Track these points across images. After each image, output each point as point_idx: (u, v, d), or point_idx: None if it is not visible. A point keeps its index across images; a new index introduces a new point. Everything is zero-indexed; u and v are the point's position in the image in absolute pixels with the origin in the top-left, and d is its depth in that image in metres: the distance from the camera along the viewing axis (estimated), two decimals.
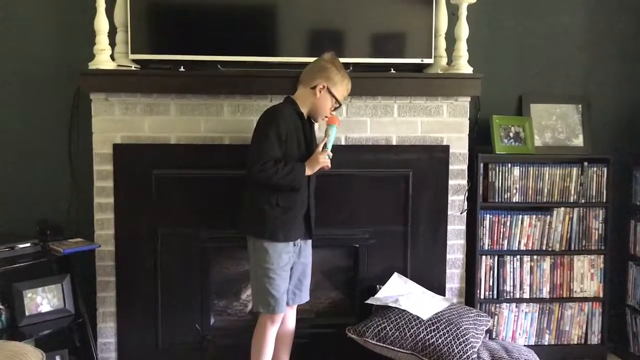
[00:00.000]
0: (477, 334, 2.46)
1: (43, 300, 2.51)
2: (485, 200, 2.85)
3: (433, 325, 2.40)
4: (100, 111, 2.58)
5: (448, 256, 2.78)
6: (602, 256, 2.92)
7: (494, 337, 2.88)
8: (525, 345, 2.75)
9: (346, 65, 2.47)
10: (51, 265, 2.60)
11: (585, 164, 2.88)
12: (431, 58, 2.69)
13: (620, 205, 3.02)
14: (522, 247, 2.89)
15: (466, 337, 2.37)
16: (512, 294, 2.88)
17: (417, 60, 2.68)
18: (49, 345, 2.43)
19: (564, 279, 2.91)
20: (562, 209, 2.89)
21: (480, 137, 2.89)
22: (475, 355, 2.36)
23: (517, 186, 2.86)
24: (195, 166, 2.62)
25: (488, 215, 2.85)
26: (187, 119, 2.61)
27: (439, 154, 2.73)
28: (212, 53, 2.58)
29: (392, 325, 2.41)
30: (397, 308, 2.49)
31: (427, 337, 2.37)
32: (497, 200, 2.85)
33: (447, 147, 2.73)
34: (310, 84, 2.32)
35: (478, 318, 2.55)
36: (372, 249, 2.73)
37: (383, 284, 2.67)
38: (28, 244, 2.47)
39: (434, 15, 2.66)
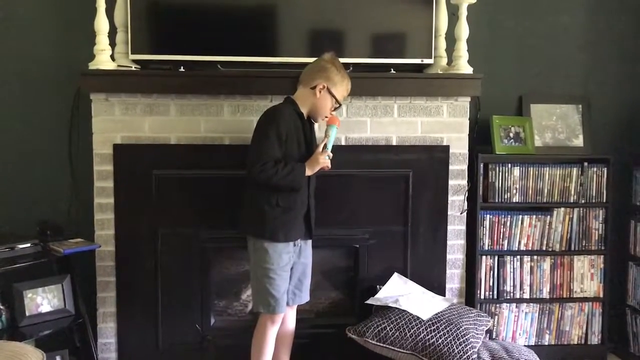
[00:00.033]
0: (477, 334, 2.46)
1: (43, 300, 2.51)
2: (486, 200, 2.85)
3: (433, 326, 2.40)
4: (101, 111, 2.58)
5: (448, 256, 2.78)
6: (602, 256, 2.92)
7: (494, 337, 2.88)
8: (525, 346, 2.75)
9: (346, 65, 2.47)
10: (51, 265, 2.61)
11: (585, 164, 2.88)
12: (431, 58, 2.69)
13: (620, 206, 3.02)
14: (522, 247, 2.89)
15: (466, 337, 2.37)
16: (512, 294, 2.88)
17: (417, 61, 2.68)
18: (49, 346, 2.43)
19: (564, 279, 2.91)
20: (562, 209, 2.89)
21: (480, 137, 2.89)
22: (475, 356, 2.36)
23: (517, 186, 2.86)
24: (195, 166, 2.62)
25: (488, 216, 2.85)
26: (187, 119, 2.62)
27: (439, 154, 2.73)
28: (212, 53, 2.58)
29: (392, 326, 2.41)
30: (397, 308, 2.49)
31: (427, 337, 2.37)
32: (497, 201, 2.85)
33: (447, 148, 2.73)
34: (310, 84, 2.32)
35: (478, 318, 2.55)
36: (372, 249, 2.73)
37: (383, 284, 2.67)
38: (28, 244, 2.47)
39: (434, 15, 2.66)
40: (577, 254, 2.91)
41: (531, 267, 2.89)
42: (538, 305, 2.90)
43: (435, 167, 2.73)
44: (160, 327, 2.66)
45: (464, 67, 2.66)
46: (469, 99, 2.72)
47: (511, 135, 2.92)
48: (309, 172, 2.27)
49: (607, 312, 2.94)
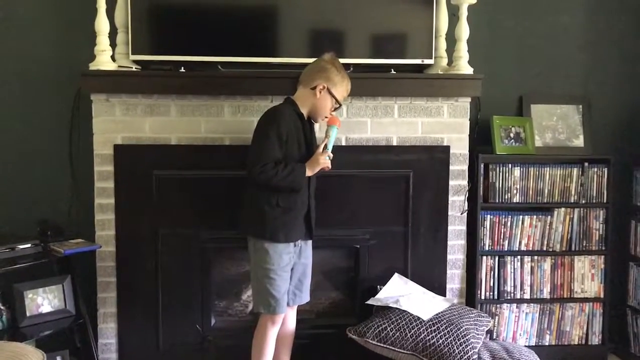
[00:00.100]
0: (478, 334, 2.46)
1: (44, 301, 2.51)
2: (486, 200, 2.85)
3: (434, 326, 2.40)
4: (101, 112, 2.58)
5: (448, 257, 2.78)
6: (602, 256, 2.92)
7: (494, 337, 2.88)
8: (525, 346, 2.75)
9: (347, 66, 2.48)
10: (52, 266, 2.61)
11: (586, 164, 2.88)
12: (431, 59, 2.69)
13: (621, 206, 3.02)
14: (523, 248, 2.89)
15: (467, 337, 2.37)
16: (512, 294, 2.88)
17: (418, 61, 2.68)
18: (49, 346, 2.44)
19: (564, 279, 2.91)
20: (563, 209, 2.89)
21: (480, 137, 2.89)
22: (475, 356, 2.36)
23: (518, 187, 2.86)
24: (195, 167, 2.62)
25: (488, 216, 2.85)
26: (187, 120, 2.62)
27: (439, 155, 2.73)
28: (213, 54, 2.58)
29: (392, 326, 2.41)
30: (397, 309, 2.49)
31: (427, 338, 2.37)
32: (497, 201, 2.85)
33: (447, 148, 2.73)
34: (310, 84, 2.32)
35: (479, 318, 2.55)
36: (373, 250, 2.73)
37: (384, 285, 2.67)
38: (29, 245, 2.47)
39: (434, 15, 2.66)
40: (578, 254, 2.91)
41: (532, 268, 2.89)
42: (538, 306, 2.90)
43: (435, 167, 2.73)
44: (161, 327, 2.66)
45: (465, 67, 2.67)
46: (469, 99, 2.72)
47: (511, 135, 2.93)
48: (309, 172, 2.27)
49: (608, 313, 2.94)
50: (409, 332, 2.39)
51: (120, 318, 2.65)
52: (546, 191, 2.87)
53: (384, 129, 2.70)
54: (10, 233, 2.60)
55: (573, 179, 2.88)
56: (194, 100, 2.61)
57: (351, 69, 2.57)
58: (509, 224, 2.86)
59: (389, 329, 2.41)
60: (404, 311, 2.47)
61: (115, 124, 2.59)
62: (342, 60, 2.39)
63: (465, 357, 2.32)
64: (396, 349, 2.38)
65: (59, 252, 2.45)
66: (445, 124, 2.73)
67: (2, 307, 2.44)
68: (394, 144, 2.71)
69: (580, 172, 2.88)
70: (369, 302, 2.60)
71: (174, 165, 2.62)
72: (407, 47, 2.69)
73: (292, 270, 2.35)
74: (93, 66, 2.52)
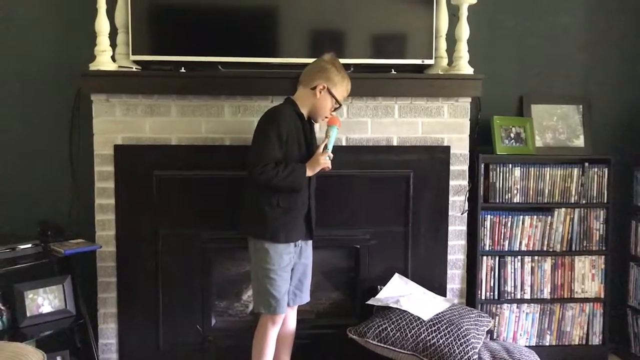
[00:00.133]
0: (478, 334, 2.46)
1: (44, 301, 2.51)
2: (486, 200, 2.85)
3: (434, 326, 2.40)
4: (101, 112, 2.58)
5: (449, 257, 2.78)
6: (603, 257, 2.92)
7: (495, 337, 2.88)
8: (526, 346, 2.75)
9: (347, 66, 2.48)
10: (52, 266, 2.61)
11: (586, 164, 2.88)
12: (432, 59, 2.69)
13: (621, 206, 3.02)
14: (523, 248, 2.89)
15: (467, 337, 2.37)
16: (513, 294, 2.88)
17: (418, 61, 2.68)
18: (50, 346, 2.44)
19: (564, 279, 2.91)
20: (563, 209, 2.89)
21: (481, 137, 2.89)
22: (476, 356, 2.36)
23: (518, 187, 2.86)
24: (196, 167, 2.62)
25: (489, 216, 2.85)
26: (188, 120, 2.62)
27: (439, 155, 2.73)
28: (213, 54, 2.58)
29: (393, 326, 2.41)
30: (398, 309, 2.49)
31: (428, 338, 2.37)
32: (498, 201, 2.85)
33: (447, 148, 2.73)
34: (310, 84, 2.32)
35: (479, 319, 2.55)
36: (373, 250, 2.73)
37: (384, 285, 2.67)
38: (29, 245, 2.46)
39: (434, 16, 2.66)
40: (578, 254, 2.90)
41: (532, 268, 2.88)
42: (539, 306, 2.90)
43: (436, 167, 2.73)
44: (161, 327, 2.66)
45: (465, 67, 2.67)
46: (469, 99, 2.72)
47: (512, 135, 2.92)
48: (309, 172, 2.27)
49: (608, 313, 2.94)
50: (410, 332, 2.38)
51: (121, 318, 2.65)
52: (546, 191, 2.87)
53: (385, 129, 2.70)
54: (11, 233, 2.61)
55: (573, 179, 2.88)
56: (195, 101, 2.61)
57: (351, 69, 2.57)
58: (509, 224, 2.86)
59: (389, 329, 2.40)
60: (405, 311, 2.47)
61: (115, 124, 2.59)
62: (342, 61, 2.39)
63: (466, 357, 2.32)
64: (396, 349, 2.38)
65: (59, 252, 2.45)
66: (445, 124, 2.73)
67: (2, 307, 2.44)
68: (395, 144, 2.71)
69: (581, 172, 2.88)
70: (370, 302, 2.60)
71: (174, 166, 2.62)
72: (407, 47, 2.69)
73: (292, 270, 2.35)
74: (93, 66, 2.52)
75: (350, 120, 2.68)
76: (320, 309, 2.84)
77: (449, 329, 2.39)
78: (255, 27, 2.62)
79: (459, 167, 2.75)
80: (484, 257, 2.86)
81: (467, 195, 2.77)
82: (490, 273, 2.87)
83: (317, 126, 2.48)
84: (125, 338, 2.66)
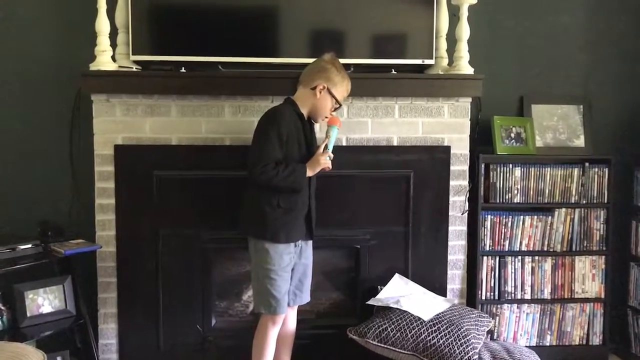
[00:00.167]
0: (479, 334, 2.46)
1: (44, 301, 2.51)
2: (487, 201, 2.85)
3: (434, 326, 2.40)
4: (102, 112, 2.58)
5: (449, 257, 2.78)
6: (603, 257, 2.92)
7: (495, 338, 2.87)
8: (526, 346, 2.75)
9: (347, 66, 2.48)
10: (52, 266, 2.60)
11: (587, 164, 2.88)
12: (432, 59, 2.69)
13: (622, 206, 3.02)
14: (524, 248, 2.89)
15: (467, 338, 2.37)
16: (513, 294, 2.88)
17: (418, 61, 2.68)
18: (50, 347, 2.44)
19: (565, 279, 2.91)
20: (564, 209, 2.89)
21: (481, 137, 2.89)
22: (476, 357, 2.36)
23: (519, 187, 2.86)
24: (196, 167, 2.62)
25: (489, 216, 2.85)
26: (188, 120, 2.62)
27: (440, 155, 2.73)
28: (213, 54, 2.58)
29: (393, 326, 2.41)
30: (398, 309, 2.49)
31: (428, 338, 2.37)
32: (498, 201, 2.85)
33: (448, 148, 2.73)
34: (310, 84, 2.32)
35: (479, 319, 2.55)
36: (373, 250, 2.73)
37: (384, 285, 2.67)
38: (29, 245, 2.46)
39: (434, 16, 2.66)
40: (579, 254, 2.90)
41: (532, 268, 2.88)
42: (539, 306, 2.90)
43: (436, 167, 2.73)
44: (162, 327, 2.66)
45: (465, 67, 2.66)
46: (470, 99, 2.72)
47: (512, 135, 2.92)
48: (309, 173, 2.27)
49: (609, 313, 2.94)
50: (410, 333, 2.38)
51: (121, 318, 2.65)
52: (547, 191, 2.87)
53: (385, 129, 2.70)
54: (11, 233, 2.60)
55: (574, 179, 2.88)
56: (195, 101, 2.61)
57: (352, 69, 2.57)
58: (509, 224, 2.86)
59: (389, 329, 2.40)
60: (405, 311, 2.47)
61: (115, 124, 2.59)
62: (342, 61, 2.39)
63: (466, 357, 2.32)
64: (397, 350, 2.38)
65: (60, 253, 2.45)
66: (446, 124, 2.73)
67: (2, 308, 2.44)
68: (395, 144, 2.71)
69: (581, 173, 2.88)
70: (370, 302, 2.60)
71: (174, 166, 2.61)
72: (407, 48, 2.69)
73: (292, 270, 2.35)
74: (93, 66, 2.52)
75: (351, 121, 2.68)
76: (321, 309, 2.84)
77: (449, 329, 2.39)
78: (256, 27, 2.62)
79: (460, 167, 2.75)
80: (485, 257, 2.86)
81: (468, 195, 2.77)
82: (491, 273, 2.87)
83: (317, 126, 2.48)
84: (126, 338, 2.66)
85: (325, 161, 2.29)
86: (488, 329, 2.60)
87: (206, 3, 2.60)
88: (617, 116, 3.12)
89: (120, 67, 2.59)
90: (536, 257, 2.89)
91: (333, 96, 2.32)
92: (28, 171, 2.81)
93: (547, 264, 2.89)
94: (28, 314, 2.46)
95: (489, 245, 2.86)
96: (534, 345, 2.89)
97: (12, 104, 2.79)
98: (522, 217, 2.86)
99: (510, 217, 2.86)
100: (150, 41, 2.59)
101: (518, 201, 2.86)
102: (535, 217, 2.87)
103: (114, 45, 2.59)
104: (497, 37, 3.00)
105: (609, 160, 2.90)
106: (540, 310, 2.90)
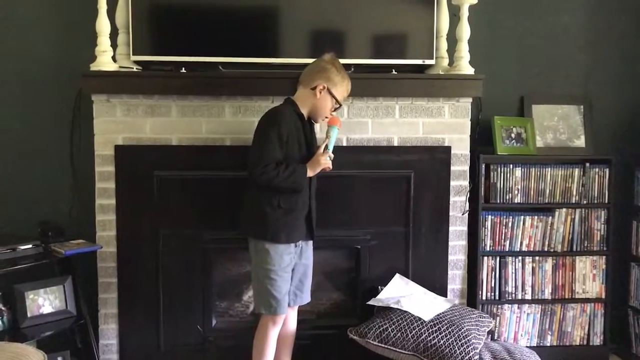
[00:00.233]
0: (479, 335, 2.46)
1: (45, 301, 2.51)
2: (487, 201, 2.85)
3: (435, 327, 2.40)
4: (102, 112, 2.58)
5: (450, 257, 2.78)
6: (604, 257, 2.92)
7: (495, 338, 2.87)
8: (527, 347, 2.75)
9: (347, 66, 2.48)
10: (53, 266, 2.60)
11: (587, 164, 2.88)
12: (432, 59, 2.69)
13: (622, 206, 3.02)
14: (524, 248, 2.88)
15: (468, 338, 2.37)
16: (514, 295, 2.88)
17: (419, 61, 2.68)
18: (50, 347, 2.44)
19: (566, 280, 2.90)
20: (564, 209, 2.89)
21: (481, 138, 2.89)
22: (477, 357, 2.35)
23: (519, 187, 2.85)
24: (196, 167, 2.62)
25: (490, 216, 2.85)
26: (188, 120, 2.61)
27: (440, 155, 2.73)
28: (214, 54, 2.58)
29: (393, 327, 2.41)
30: (398, 309, 2.49)
31: (428, 338, 2.36)
32: (498, 201, 2.85)
33: (448, 148, 2.73)
34: (310, 84, 2.32)
35: (480, 319, 2.55)
36: (374, 250, 2.73)
37: (385, 285, 2.67)
38: (29, 246, 2.46)
39: (435, 16, 2.66)
40: (579, 254, 2.90)
41: (533, 268, 2.88)
42: (540, 306, 2.90)
43: (436, 168, 2.73)
44: (162, 328, 2.65)
45: (466, 67, 2.66)
46: (470, 99, 2.72)
47: (513, 135, 2.92)
48: (310, 173, 2.27)
49: (609, 313, 2.93)
50: (410, 333, 2.38)
51: (121, 319, 2.65)
52: (547, 191, 2.87)
53: (385, 130, 2.70)
54: (11, 234, 2.60)
55: (574, 180, 2.88)
56: (195, 101, 2.61)
57: (352, 69, 2.57)
58: (510, 224, 2.86)
59: (390, 329, 2.40)
60: (405, 312, 2.47)
61: (116, 124, 2.59)
62: (343, 61, 2.39)
63: (467, 357, 2.32)
64: (397, 350, 2.38)
65: (60, 253, 2.44)
66: (446, 125, 2.72)
67: (3, 308, 2.44)
68: (395, 144, 2.71)
69: (582, 173, 2.88)
70: (370, 302, 2.60)
71: (174, 166, 2.61)
72: (408, 48, 2.69)
73: (293, 270, 2.35)
74: (94, 67, 2.52)
75: (351, 121, 2.68)
76: (321, 310, 2.84)
77: (449, 330, 2.39)
78: (256, 27, 2.62)
79: (460, 167, 2.75)
80: (485, 258, 2.86)
81: (468, 195, 2.77)
82: (491, 273, 2.87)
83: (317, 126, 2.48)
84: (126, 338, 2.66)
85: (325, 161, 2.28)
86: (489, 329, 2.60)
87: (206, 3, 2.60)
88: (618, 116, 3.12)
89: (120, 67, 2.59)
90: (537, 258, 2.89)
91: (333, 96, 2.32)
92: (28, 171, 2.81)
93: (548, 264, 2.89)
94: (28, 314, 2.46)
95: (490, 246, 2.86)
96: (535, 345, 2.89)
97: (12, 104, 2.79)
98: (522, 217, 2.86)
99: (511, 217, 2.86)
100: (150, 41, 2.59)
101: (518, 201, 2.86)
102: (536, 217, 2.87)
103: (114, 45, 2.59)
104: (498, 37, 3.00)
105: (609, 160, 2.90)
106: (541, 310, 2.90)
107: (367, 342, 2.42)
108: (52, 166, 2.80)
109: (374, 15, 2.64)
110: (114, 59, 2.57)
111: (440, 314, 2.49)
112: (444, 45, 2.74)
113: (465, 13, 2.63)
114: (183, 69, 2.59)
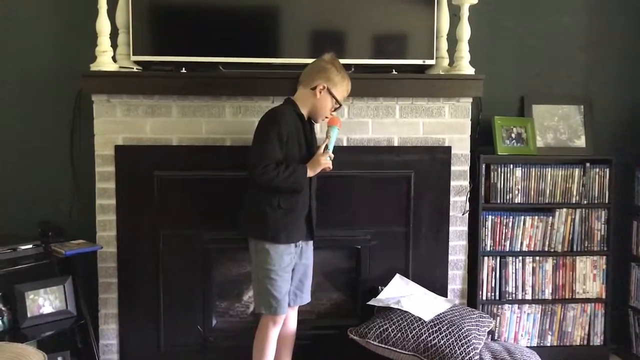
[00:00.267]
0: (479, 335, 2.46)
1: (45, 301, 2.51)
2: (487, 201, 2.85)
3: (435, 327, 2.40)
4: (102, 113, 2.58)
5: (450, 257, 2.78)
6: (604, 257, 2.92)
7: (496, 338, 2.87)
8: (527, 347, 2.75)
9: (348, 66, 2.48)
10: (53, 266, 2.60)
11: (588, 164, 2.88)
12: (433, 59, 2.68)
13: (623, 206, 3.02)
14: (525, 248, 2.88)
15: (468, 338, 2.37)
16: (514, 295, 2.88)
17: (419, 62, 2.68)
18: (50, 347, 2.44)
19: (566, 280, 2.90)
20: (565, 210, 2.88)
21: (482, 138, 2.89)
22: (477, 357, 2.35)
23: (519, 187, 2.85)
24: (197, 167, 2.62)
25: (490, 217, 2.84)
26: (188, 121, 2.61)
27: (440, 155, 2.73)
28: (214, 54, 2.58)
29: (394, 327, 2.41)
30: (399, 309, 2.49)
31: (429, 339, 2.36)
32: (499, 202, 2.85)
33: (449, 148, 2.73)
34: (310, 84, 2.31)
35: (480, 319, 2.55)
36: (374, 250, 2.73)
37: (385, 285, 2.67)
38: (30, 246, 2.46)
39: (435, 16, 2.66)
40: (580, 254, 2.90)
41: (533, 268, 2.88)
42: (540, 307, 2.90)
43: (437, 168, 2.73)
44: (162, 328, 2.66)
45: (466, 67, 2.66)
46: (470, 99, 2.72)
47: (513, 136, 2.92)
48: (310, 173, 2.27)
49: (610, 313, 2.93)
50: (411, 333, 2.38)
51: (122, 319, 2.65)
52: (548, 192, 2.87)
53: (385, 130, 2.70)
54: (12, 234, 2.60)
55: (575, 180, 2.88)
56: (195, 101, 2.61)
57: (352, 69, 2.57)
58: (510, 224, 2.86)
59: (390, 329, 2.40)
60: (405, 312, 2.47)
61: (116, 124, 2.59)
62: (343, 61, 2.39)
63: (467, 357, 2.31)
64: (397, 350, 2.38)
65: (60, 253, 2.45)
66: (446, 125, 2.72)
67: (3, 308, 2.44)
68: (395, 144, 2.71)
69: (582, 173, 2.88)
70: (370, 302, 2.60)
71: (175, 166, 2.61)
72: (408, 48, 2.69)
73: (293, 271, 2.35)
74: (94, 67, 2.52)
75: (351, 121, 2.68)
76: (321, 310, 2.84)
77: (450, 330, 2.39)
78: (256, 27, 2.62)
79: (460, 167, 2.75)
80: (485, 258, 2.86)
81: (468, 195, 2.77)
82: (492, 273, 2.86)
83: (317, 126, 2.48)
84: (126, 339, 2.66)
85: (325, 161, 2.28)
86: (489, 329, 2.60)
87: (206, 3, 2.60)
88: (618, 116, 3.12)
89: (120, 67, 2.59)
90: (537, 258, 2.88)
91: (333, 96, 2.32)
92: (28, 171, 2.81)
93: (548, 264, 2.89)
94: (29, 315, 2.46)
95: (490, 246, 2.86)
96: (535, 345, 2.89)
97: (12, 104, 2.79)
98: (522, 217, 2.86)
99: (511, 217, 2.86)
100: (150, 41, 2.59)
101: (519, 201, 2.86)
102: (536, 217, 2.87)
103: (114, 45, 2.59)
104: (498, 37, 3.00)
105: (609, 160, 2.89)
106: (541, 310, 2.90)
107: (368, 342, 2.42)
108: (52, 166, 2.79)
109: (374, 15, 2.64)
110: (114, 59, 2.57)
111: (441, 314, 2.49)
112: (444, 45, 2.74)
113: (465, 13, 2.63)
114: (183, 69, 2.59)
